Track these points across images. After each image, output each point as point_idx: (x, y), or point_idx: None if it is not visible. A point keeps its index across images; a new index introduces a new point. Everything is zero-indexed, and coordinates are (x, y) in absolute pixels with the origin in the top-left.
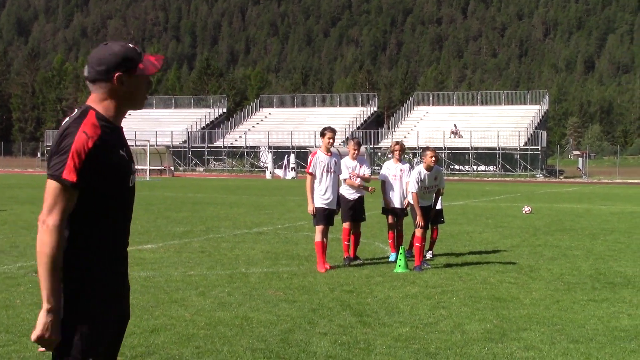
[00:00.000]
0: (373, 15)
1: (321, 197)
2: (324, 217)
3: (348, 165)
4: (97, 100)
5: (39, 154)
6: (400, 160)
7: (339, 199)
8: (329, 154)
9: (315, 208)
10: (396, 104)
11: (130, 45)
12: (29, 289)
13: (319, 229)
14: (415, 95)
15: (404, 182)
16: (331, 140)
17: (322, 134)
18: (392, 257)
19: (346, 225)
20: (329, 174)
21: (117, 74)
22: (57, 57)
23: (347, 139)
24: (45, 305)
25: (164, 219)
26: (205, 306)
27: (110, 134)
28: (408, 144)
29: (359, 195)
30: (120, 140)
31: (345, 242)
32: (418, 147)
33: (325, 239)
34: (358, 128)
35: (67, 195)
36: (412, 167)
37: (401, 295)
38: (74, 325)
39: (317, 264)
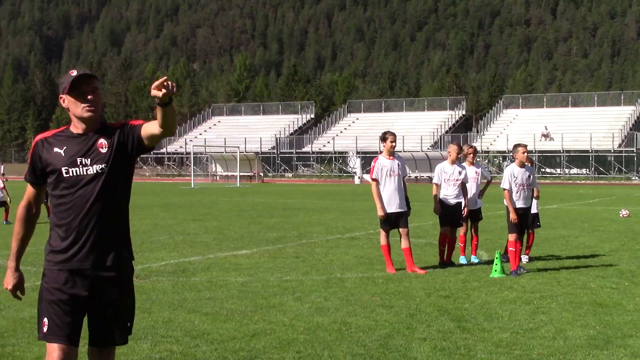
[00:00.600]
0: (460, 19)
1: (387, 200)
2: (389, 220)
3: (445, 170)
4: None
5: None
6: (473, 163)
7: (408, 200)
8: (392, 157)
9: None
10: (484, 107)
11: (73, 71)
12: None
13: (383, 232)
14: (504, 98)
15: (479, 184)
16: (393, 144)
17: (384, 138)
18: (462, 261)
19: (443, 230)
20: (392, 177)
21: (60, 97)
22: (149, 67)
23: (452, 144)
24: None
25: (257, 224)
26: (303, 311)
27: (58, 139)
28: (498, 147)
29: (458, 200)
30: (63, 142)
31: (441, 247)
32: (508, 151)
33: (398, 241)
34: (447, 132)
35: (27, 187)
36: (501, 169)
37: (499, 301)
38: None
39: (387, 266)
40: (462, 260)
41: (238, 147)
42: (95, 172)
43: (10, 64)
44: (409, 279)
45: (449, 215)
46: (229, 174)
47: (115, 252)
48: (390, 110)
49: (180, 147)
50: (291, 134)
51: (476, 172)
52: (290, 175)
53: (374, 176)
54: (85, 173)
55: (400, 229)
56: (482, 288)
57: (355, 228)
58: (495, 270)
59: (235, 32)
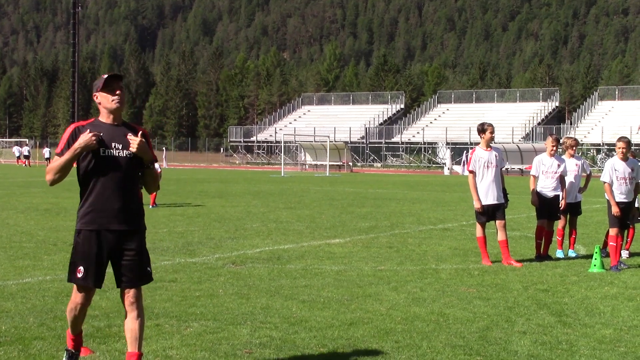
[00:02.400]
0: (554, 8)
1: (484, 192)
2: (486, 213)
3: (544, 162)
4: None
5: (222, 150)
6: (573, 155)
7: (505, 192)
8: (489, 149)
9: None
10: (578, 99)
11: (105, 75)
12: (229, 279)
13: (479, 224)
14: (600, 90)
15: (579, 177)
16: (492, 135)
17: (483, 130)
18: (559, 255)
19: (540, 223)
20: (490, 169)
21: (93, 95)
22: (240, 56)
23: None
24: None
25: (348, 214)
26: (399, 301)
27: (93, 126)
28: (592, 140)
29: (556, 193)
30: (99, 129)
31: (538, 240)
32: (602, 144)
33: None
34: (539, 124)
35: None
36: (595, 162)
37: (600, 296)
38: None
39: (482, 258)
40: (559, 254)
41: (328, 137)
42: (125, 155)
43: (107, 53)
44: (505, 271)
45: (547, 208)
46: (318, 163)
47: (135, 215)
48: (480, 101)
49: (270, 135)
50: (380, 124)
51: (577, 165)
52: (379, 165)
53: (470, 168)
54: (117, 155)
55: (497, 221)
56: (582, 283)
57: (448, 219)
58: (595, 265)
59: (326, 22)
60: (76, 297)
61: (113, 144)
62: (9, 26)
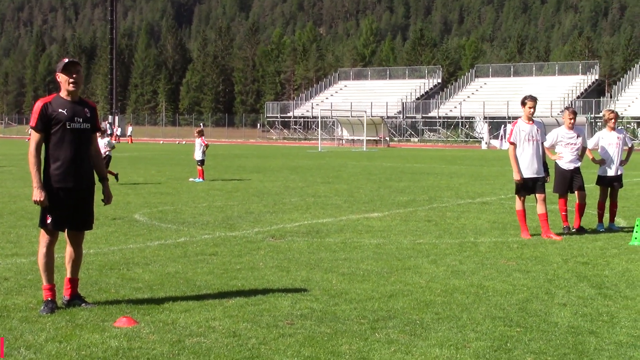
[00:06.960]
0: None
1: (524, 165)
2: (526, 186)
3: (562, 134)
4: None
5: (259, 125)
6: (614, 128)
7: (546, 166)
8: (531, 122)
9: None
10: (618, 71)
11: (66, 58)
12: (269, 252)
13: (519, 197)
14: None
15: (621, 150)
16: (532, 109)
17: (523, 103)
18: (599, 228)
19: (561, 198)
20: (531, 142)
21: (55, 74)
22: (276, 31)
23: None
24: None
25: (386, 188)
26: (438, 274)
27: (57, 103)
28: (633, 113)
29: (575, 166)
30: (63, 105)
31: (563, 213)
32: None
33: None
34: (578, 97)
35: (34, 133)
36: (635, 136)
37: None
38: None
39: (522, 231)
40: (600, 227)
41: (365, 112)
42: (84, 127)
43: (144, 29)
44: (545, 244)
45: (564, 182)
46: (355, 138)
47: (88, 176)
48: (518, 74)
49: (307, 111)
50: (417, 99)
51: (618, 138)
52: (416, 140)
53: (511, 140)
54: (79, 127)
55: (537, 195)
56: (622, 255)
57: (486, 193)
58: (636, 238)
59: None
60: (44, 240)
61: (75, 119)
62: (48, 3)
